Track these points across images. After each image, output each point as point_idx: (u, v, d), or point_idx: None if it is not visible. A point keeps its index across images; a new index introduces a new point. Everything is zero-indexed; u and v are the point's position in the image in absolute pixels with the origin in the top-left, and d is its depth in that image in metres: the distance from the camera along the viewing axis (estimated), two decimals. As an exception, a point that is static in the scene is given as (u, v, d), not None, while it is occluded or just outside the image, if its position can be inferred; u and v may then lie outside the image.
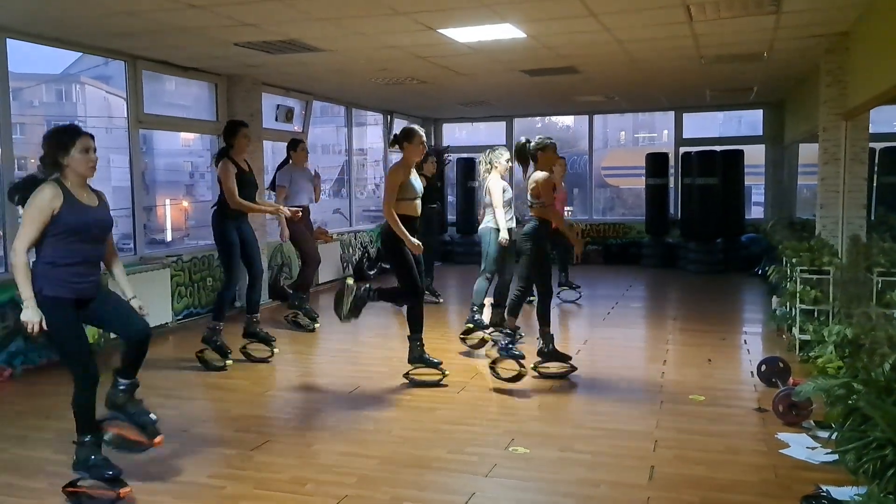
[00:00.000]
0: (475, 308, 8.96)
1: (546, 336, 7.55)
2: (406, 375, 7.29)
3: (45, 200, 4.51)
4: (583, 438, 5.74)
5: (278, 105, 12.66)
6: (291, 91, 12.92)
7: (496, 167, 8.89)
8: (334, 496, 4.69)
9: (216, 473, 5.10)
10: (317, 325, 9.86)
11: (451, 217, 17.99)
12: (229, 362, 7.91)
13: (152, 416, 5.04)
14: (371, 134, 18.62)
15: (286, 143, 10.26)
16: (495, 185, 8.75)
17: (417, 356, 7.33)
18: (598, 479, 4.96)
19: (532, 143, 7.63)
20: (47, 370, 7.98)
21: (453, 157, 17.51)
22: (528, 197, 7.55)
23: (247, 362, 8.11)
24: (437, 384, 7.14)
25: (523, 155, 7.68)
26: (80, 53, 9.42)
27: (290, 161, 10.08)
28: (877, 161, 12.75)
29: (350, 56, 9.78)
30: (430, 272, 12.07)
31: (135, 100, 9.72)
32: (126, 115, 9.82)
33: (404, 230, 7.02)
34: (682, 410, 6.36)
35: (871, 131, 9.17)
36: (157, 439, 4.93)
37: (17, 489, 4.93)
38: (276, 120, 12.59)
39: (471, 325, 8.88)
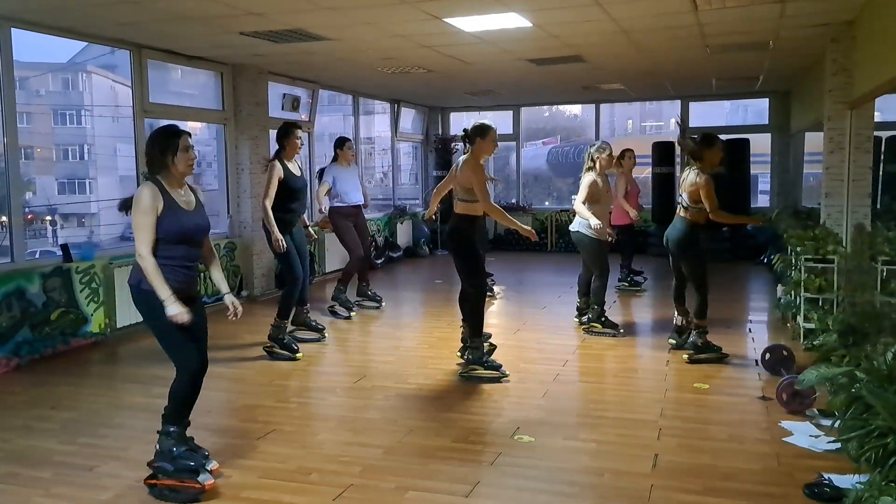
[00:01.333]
0: (596, 308, 8.79)
1: (701, 330, 7.61)
2: (462, 374, 7.16)
3: (148, 201, 4.60)
4: (587, 427, 5.76)
5: (284, 94, 12.67)
6: (297, 80, 12.93)
7: (597, 162, 8.68)
8: (339, 485, 4.71)
9: (222, 463, 5.11)
10: (353, 314, 10.04)
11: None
12: (300, 355, 7.98)
13: (205, 453, 4.99)
14: (379, 122, 18.56)
15: (333, 142, 10.36)
16: (585, 182, 8.61)
17: (477, 359, 7.14)
18: (602, 467, 4.98)
19: (697, 139, 7.53)
20: (53, 360, 8.02)
21: (461, 145, 17.53)
22: (686, 198, 7.63)
23: (252, 352, 8.12)
24: (496, 380, 7.03)
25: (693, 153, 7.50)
26: (86, 43, 9.41)
27: (337, 159, 10.12)
28: (883, 150, 12.71)
29: (356, 45, 9.78)
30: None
31: (140, 89, 9.74)
32: (132, 105, 9.83)
33: (515, 222, 7.11)
34: (686, 399, 6.38)
35: (877, 120, 9.15)
36: (209, 483, 4.72)
37: (23, 479, 4.95)
38: (283, 109, 12.59)
39: (597, 325, 8.74)
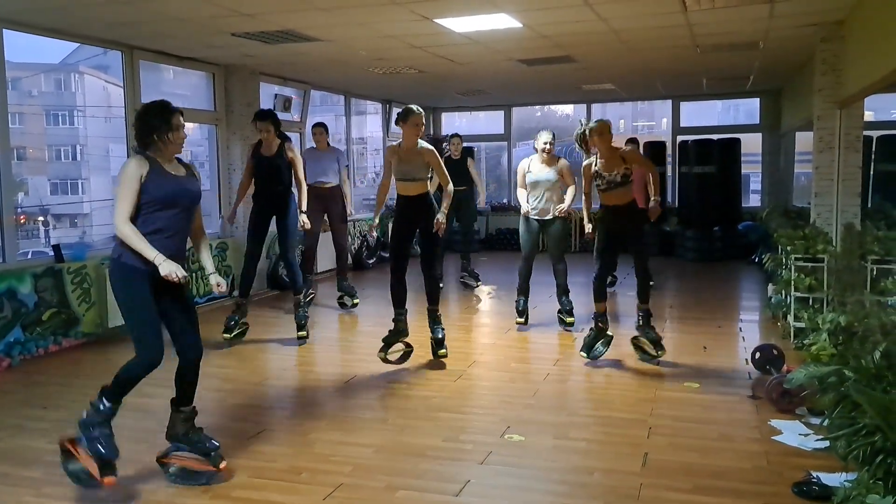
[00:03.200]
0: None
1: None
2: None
3: (132, 169, 4.55)
4: (577, 426, 5.78)
5: (276, 94, 12.67)
6: (289, 80, 12.93)
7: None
8: (330, 485, 4.72)
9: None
10: (356, 301, 10.55)
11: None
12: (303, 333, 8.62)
13: (214, 442, 4.99)
14: (370, 123, 18.58)
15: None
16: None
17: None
18: (592, 466, 5.00)
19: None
20: (45, 360, 8.02)
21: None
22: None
23: (244, 352, 8.12)
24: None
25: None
26: (78, 44, 9.40)
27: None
28: (874, 149, 12.75)
29: (347, 46, 9.80)
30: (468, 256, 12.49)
31: (132, 90, 9.73)
32: (124, 105, 9.82)
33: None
34: (676, 398, 6.40)
35: (868, 119, 9.17)
36: (222, 465, 4.88)
37: (14, 478, 4.95)
38: (274, 109, 12.57)
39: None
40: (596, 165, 7.48)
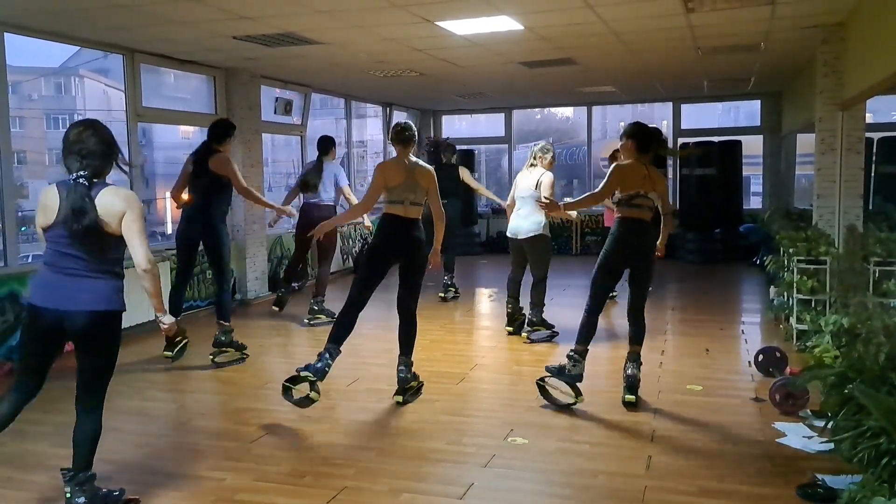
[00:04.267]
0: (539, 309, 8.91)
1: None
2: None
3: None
4: (581, 429, 5.78)
5: (277, 97, 12.67)
6: (290, 83, 12.93)
7: (539, 162, 8.71)
8: (333, 488, 4.71)
9: (215, 466, 5.13)
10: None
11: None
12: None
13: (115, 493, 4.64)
14: (371, 126, 18.62)
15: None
16: (548, 181, 8.57)
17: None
18: (595, 469, 4.99)
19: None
20: (47, 364, 7.99)
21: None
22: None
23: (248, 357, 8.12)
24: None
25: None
26: (79, 47, 9.40)
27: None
28: (875, 151, 12.75)
29: (348, 49, 9.79)
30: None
31: (133, 93, 9.73)
32: (125, 109, 9.82)
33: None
34: (679, 400, 6.39)
35: (869, 121, 9.18)
36: None
37: (16, 483, 4.96)
38: (275, 112, 12.60)
39: (542, 328, 8.87)
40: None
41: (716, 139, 15.87)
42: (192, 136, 16.65)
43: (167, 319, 4.54)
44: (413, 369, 6.64)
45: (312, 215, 9.36)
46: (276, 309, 10.00)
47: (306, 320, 9.75)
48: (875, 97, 8.07)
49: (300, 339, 9.09)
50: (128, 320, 8.97)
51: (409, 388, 6.55)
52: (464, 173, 11.41)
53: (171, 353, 7.81)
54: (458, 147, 17.22)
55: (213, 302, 8.57)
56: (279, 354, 8.38)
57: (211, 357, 7.82)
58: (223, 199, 7.92)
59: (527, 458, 5.20)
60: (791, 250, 8.26)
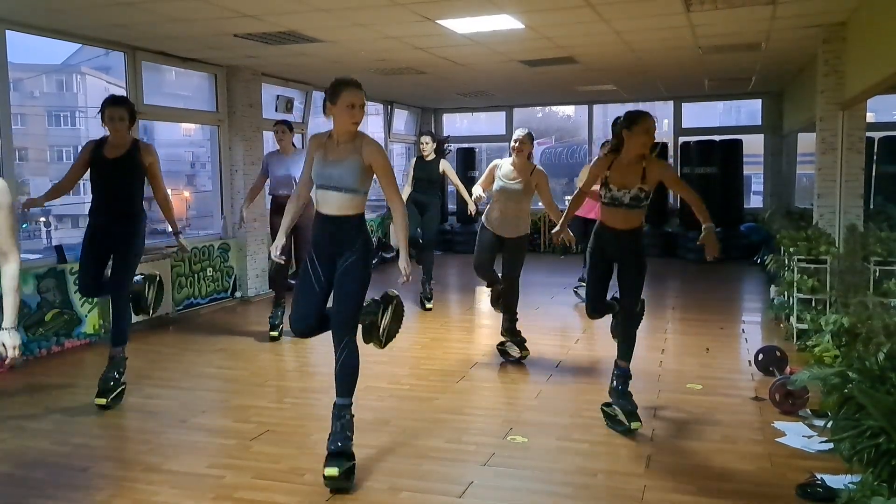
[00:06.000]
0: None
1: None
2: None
3: None
4: (580, 427, 5.77)
5: (278, 95, 12.66)
6: (291, 82, 12.93)
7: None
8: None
9: (215, 463, 5.13)
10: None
11: (452, 206, 17.97)
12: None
13: None
14: (372, 124, 18.58)
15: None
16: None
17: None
18: (595, 468, 5.00)
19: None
20: (47, 361, 8.01)
21: (454, 146, 17.55)
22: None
23: (245, 353, 8.11)
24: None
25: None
26: (80, 44, 9.41)
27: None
28: (875, 151, 12.74)
29: (349, 47, 9.79)
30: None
31: (134, 91, 9.72)
32: (126, 106, 9.82)
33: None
34: (679, 399, 6.39)
35: (870, 121, 9.18)
36: None
37: (16, 479, 4.94)
38: (277, 111, 12.59)
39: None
40: (608, 170, 5.88)
41: (717, 138, 15.86)
42: (193, 133, 16.65)
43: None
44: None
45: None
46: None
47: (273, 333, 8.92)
48: (876, 97, 8.08)
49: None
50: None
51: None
52: (445, 167, 10.90)
53: (103, 402, 6.37)
54: (459, 145, 17.29)
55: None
56: (278, 352, 8.37)
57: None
58: None
59: (526, 457, 5.20)
60: (791, 249, 8.26)
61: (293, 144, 9.21)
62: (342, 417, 4.92)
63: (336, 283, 4.99)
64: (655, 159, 5.97)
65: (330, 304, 5.03)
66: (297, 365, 7.89)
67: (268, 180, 9.12)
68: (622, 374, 5.84)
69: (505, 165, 7.63)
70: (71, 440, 5.62)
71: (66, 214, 34.42)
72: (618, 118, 5.93)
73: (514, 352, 7.62)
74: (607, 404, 5.88)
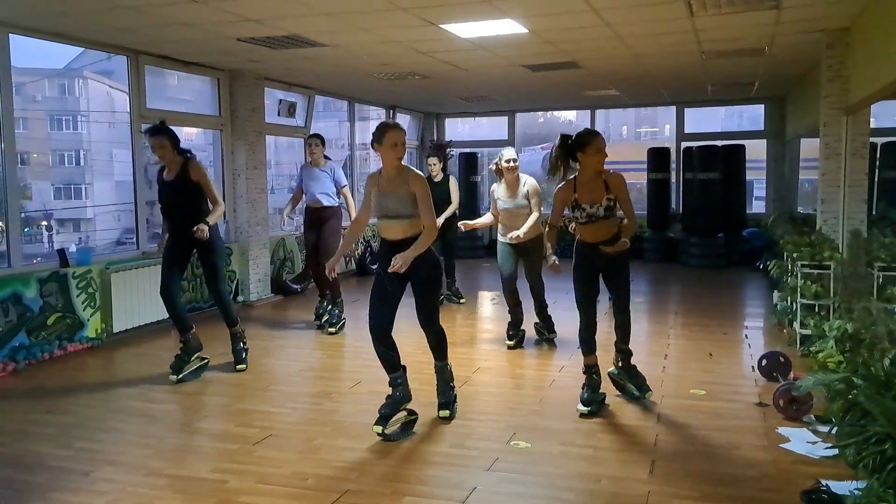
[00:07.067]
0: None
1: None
2: None
3: None
4: (584, 433, 5.76)
5: (280, 99, 12.68)
6: (293, 86, 12.94)
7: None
8: (336, 490, 4.71)
9: (218, 468, 5.12)
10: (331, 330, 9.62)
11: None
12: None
13: None
14: (374, 128, 18.66)
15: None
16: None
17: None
18: (598, 473, 4.98)
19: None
20: (49, 365, 8.00)
21: (456, 151, 17.56)
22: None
23: (249, 357, 8.10)
24: None
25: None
26: (83, 48, 9.41)
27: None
28: (878, 156, 12.74)
29: (352, 51, 9.79)
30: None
31: (137, 95, 9.74)
32: (129, 110, 9.83)
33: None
34: (682, 405, 6.37)
35: (872, 126, 9.16)
36: None
37: (19, 483, 4.93)
38: (279, 115, 12.61)
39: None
40: (575, 192, 6.18)
41: (719, 143, 15.86)
42: (195, 137, 16.65)
43: None
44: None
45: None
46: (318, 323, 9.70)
47: (331, 329, 9.37)
48: (878, 102, 8.07)
49: (303, 341, 9.07)
50: (130, 321, 9.03)
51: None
52: (452, 183, 11.01)
53: (176, 378, 7.26)
54: (461, 150, 17.29)
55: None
56: (282, 357, 8.36)
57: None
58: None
59: (530, 462, 5.19)
60: (795, 255, 8.25)
61: (325, 157, 9.69)
62: (444, 372, 6.28)
63: (416, 293, 5.90)
64: (610, 172, 6.26)
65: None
66: (300, 369, 7.87)
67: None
68: (626, 354, 6.65)
69: (499, 190, 8.40)
70: (73, 444, 5.61)
71: (68, 219, 34.51)
72: (566, 136, 6.29)
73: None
74: (615, 374, 6.75)
